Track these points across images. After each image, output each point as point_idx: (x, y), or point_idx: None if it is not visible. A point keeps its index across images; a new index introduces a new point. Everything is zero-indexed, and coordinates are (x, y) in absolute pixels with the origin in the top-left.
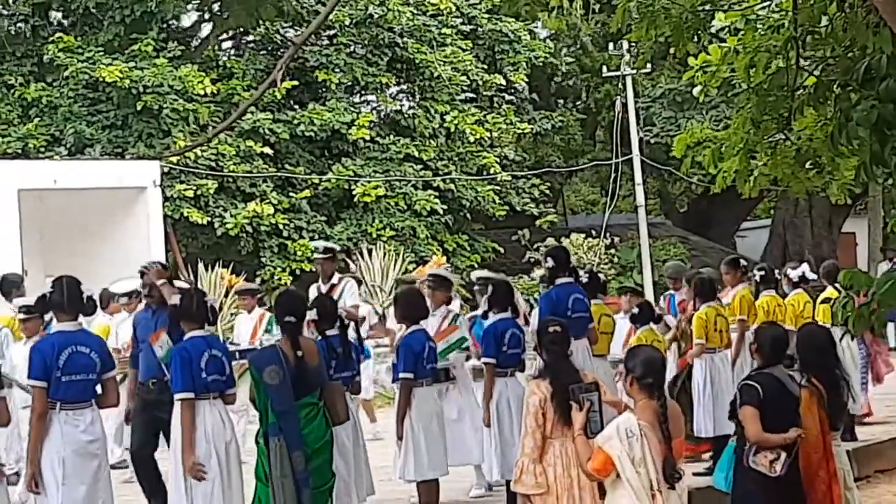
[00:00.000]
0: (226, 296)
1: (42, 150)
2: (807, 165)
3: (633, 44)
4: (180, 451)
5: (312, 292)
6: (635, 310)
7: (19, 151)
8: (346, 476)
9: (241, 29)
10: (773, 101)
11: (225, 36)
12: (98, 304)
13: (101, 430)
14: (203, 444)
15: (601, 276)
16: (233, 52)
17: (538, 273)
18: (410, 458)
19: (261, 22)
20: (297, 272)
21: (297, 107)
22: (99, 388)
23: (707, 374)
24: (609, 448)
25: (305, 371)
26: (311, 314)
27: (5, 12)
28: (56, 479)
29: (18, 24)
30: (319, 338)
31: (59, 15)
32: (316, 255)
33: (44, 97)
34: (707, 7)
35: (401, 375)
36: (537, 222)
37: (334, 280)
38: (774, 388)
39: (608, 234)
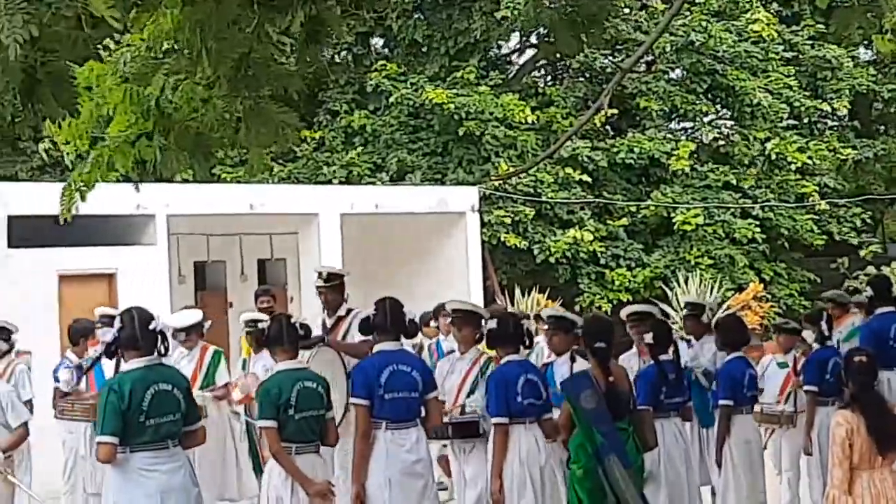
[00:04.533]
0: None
1: (365, 177)
2: None
3: None
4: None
5: (319, 325)
6: None
7: (343, 178)
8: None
9: (559, 56)
10: None
11: (542, 62)
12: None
13: (425, 450)
14: (517, 468)
15: None
16: (550, 79)
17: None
18: (741, 485)
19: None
20: (615, 301)
21: (615, 134)
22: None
23: None
24: None
25: (617, 396)
26: (648, 338)
27: (329, 41)
28: (383, 499)
29: (341, 53)
30: (652, 362)
31: (380, 43)
32: (317, 283)
33: (367, 125)
34: None
35: (721, 402)
36: (860, 252)
37: (341, 312)
38: None
39: None
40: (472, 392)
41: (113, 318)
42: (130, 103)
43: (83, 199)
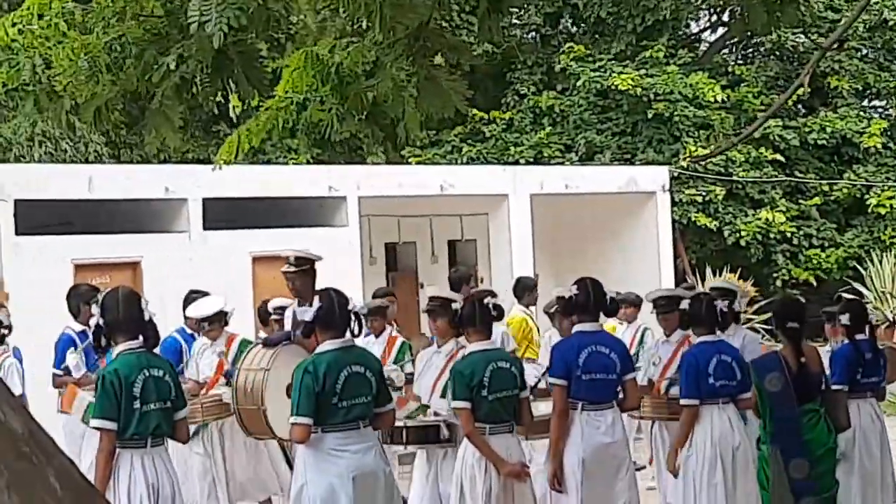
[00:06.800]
0: None
1: (554, 157)
2: None
3: None
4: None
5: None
6: None
7: (531, 159)
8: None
9: (750, 35)
10: None
11: (732, 41)
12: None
13: (622, 431)
14: (709, 449)
15: None
16: (739, 58)
17: None
18: None
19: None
20: (808, 282)
21: (806, 113)
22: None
23: None
24: None
25: (808, 377)
26: (844, 318)
27: (518, 22)
28: (576, 480)
29: (530, 34)
30: (846, 342)
31: (569, 24)
32: (285, 268)
33: (556, 106)
34: None
35: None
36: None
37: (316, 303)
38: None
39: None
40: (444, 394)
41: (285, 309)
42: (311, 67)
43: (243, 151)
